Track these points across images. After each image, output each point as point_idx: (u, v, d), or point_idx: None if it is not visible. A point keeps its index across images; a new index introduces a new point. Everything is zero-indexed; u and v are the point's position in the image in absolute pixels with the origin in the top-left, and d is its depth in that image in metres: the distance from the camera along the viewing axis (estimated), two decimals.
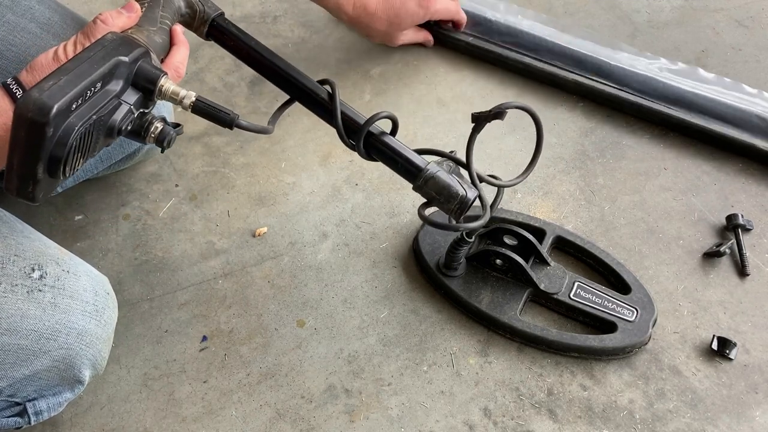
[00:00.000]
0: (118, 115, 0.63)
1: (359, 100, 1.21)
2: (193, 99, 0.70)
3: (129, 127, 0.66)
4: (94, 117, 0.60)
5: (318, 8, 1.44)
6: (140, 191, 1.10)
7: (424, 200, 0.80)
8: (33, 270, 0.72)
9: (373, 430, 0.85)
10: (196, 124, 1.19)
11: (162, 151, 0.71)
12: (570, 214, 1.05)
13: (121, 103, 0.64)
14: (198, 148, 1.16)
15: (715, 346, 0.89)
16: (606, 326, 0.90)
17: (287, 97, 0.85)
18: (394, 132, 0.81)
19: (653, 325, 0.90)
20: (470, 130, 0.79)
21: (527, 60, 1.21)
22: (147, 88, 0.66)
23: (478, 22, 1.28)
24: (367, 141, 0.78)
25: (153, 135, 0.68)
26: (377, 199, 1.08)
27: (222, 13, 0.83)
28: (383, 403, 0.87)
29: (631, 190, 1.08)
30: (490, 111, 0.75)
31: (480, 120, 0.77)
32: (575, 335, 0.89)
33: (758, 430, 0.84)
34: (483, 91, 1.22)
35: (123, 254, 1.02)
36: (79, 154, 0.60)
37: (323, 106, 0.79)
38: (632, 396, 0.87)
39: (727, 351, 0.89)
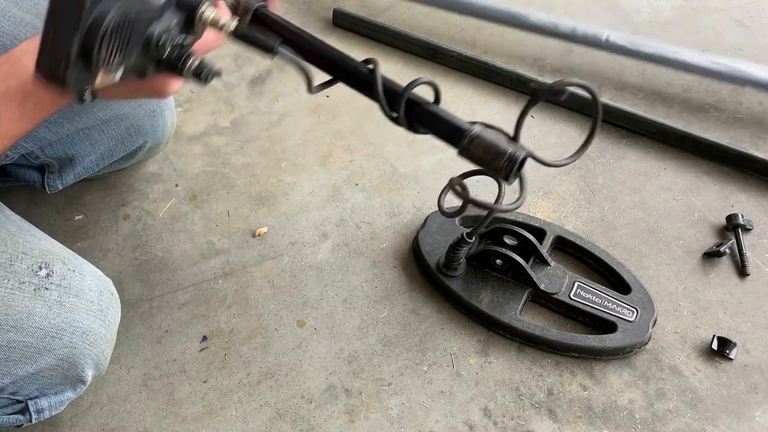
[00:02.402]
0: (157, 28, 0.63)
1: (359, 100, 1.21)
2: (235, 25, 0.70)
3: (167, 47, 0.65)
4: (133, 15, 0.60)
5: (318, 8, 1.44)
6: (140, 191, 1.10)
7: (441, 190, 0.79)
8: (40, 268, 0.72)
9: (373, 430, 0.85)
10: (197, 124, 1.19)
11: (203, 84, 0.70)
12: (570, 214, 1.05)
13: (161, 17, 0.64)
14: (198, 148, 1.16)
15: (715, 346, 0.89)
16: (606, 326, 0.90)
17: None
18: (437, 101, 0.79)
19: (653, 325, 0.90)
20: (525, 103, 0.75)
21: (519, 71, 1.21)
22: (190, 6, 0.66)
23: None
24: (409, 110, 0.76)
25: (191, 67, 0.67)
26: (377, 199, 1.08)
27: (265, 4, 0.84)
28: (383, 403, 0.87)
29: (631, 190, 1.08)
30: (552, 85, 0.70)
31: (538, 94, 0.73)
32: (575, 335, 0.89)
33: (758, 430, 0.84)
34: (483, 90, 1.22)
35: (123, 254, 1.02)
36: (114, 47, 0.59)
37: (365, 81, 0.79)
38: (632, 396, 0.87)
39: (727, 351, 0.89)
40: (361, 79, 0.79)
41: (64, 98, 0.65)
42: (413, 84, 0.75)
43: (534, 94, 0.74)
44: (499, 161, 0.73)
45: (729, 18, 1.34)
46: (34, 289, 0.70)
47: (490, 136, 0.75)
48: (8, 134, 0.63)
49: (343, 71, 0.81)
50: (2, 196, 1.00)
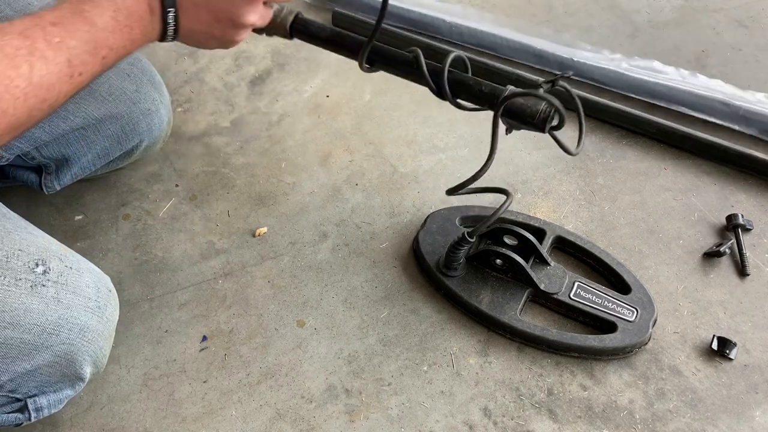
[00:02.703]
0: None
1: (359, 100, 1.21)
2: None
3: None
4: None
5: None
6: (140, 191, 1.10)
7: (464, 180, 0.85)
8: (37, 265, 0.72)
9: (373, 430, 0.85)
10: (197, 124, 1.19)
11: None
12: (570, 214, 1.05)
13: None
14: (198, 148, 1.16)
15: (715, 346, 0.89)
16: (606, 326, 0.90)
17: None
18: (467, 71, 0.90)
19: (653, 325, 0.90)
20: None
21: (518, 71, 1.21)
22: None
23: (436, 25, 1.29)
24: (450, 83, 0.86)
25: None
26: (377, 199, 1.08)
27: (299, 12, 0.95)
28: (383, 403, 0.87)
29: (631, 190, 1.08)
30: (558, 75, 0.85)
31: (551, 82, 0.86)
32: (575, 335, 0.89)
33: (758, 430, 0.84)
34: None
35: (123, 254, 1.02)
36: None
37: (410, 64, 0.89)
38: (632, 396, 0.87)
39: (727, 351, 0.89)
40: (406, 63, 0.90)
41: (153, 19, 0.69)
42: (448, 57, 0.85)
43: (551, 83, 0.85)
44: (540, 105, 0.82)
45: (729, 18, 1.34)
46: (31, 286, 0.70)
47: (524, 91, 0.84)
48: (107, 42, 0.66)
49: (390, 59, 0.91)
50: (2, 196, 1.00)
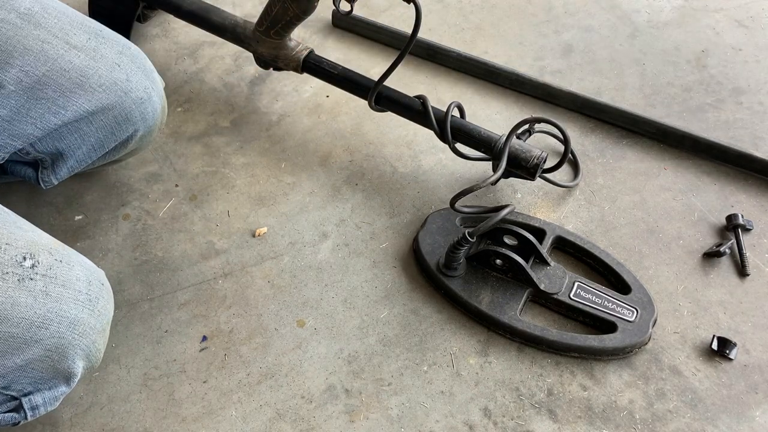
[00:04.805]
0: None
1: (359, 100, 1.21)
2: None
3: None
4: None
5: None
6: (140, 191, 1.10)
7: (457, 192, 0.93)
8: (24, 258, 0.71)
9: (373, 430, 0.85)
10: (197, 124, 1.19)
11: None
12: (570, 214, 1.05)
13: None
14: (198, 148, 1.16)
15: (715, 346, 0.89)
16: (606, 326, 0.90)
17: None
18: (462, 116, 1.02)
19: (653, 325, 0.90)
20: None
21: (519, 71, 1.20)
22: None
23: None
24: (452, 131, 0.99)
25: None
26: (377, 199, 1.08)
27: (313, 50, 1.05)
28: (383, 403, 0.87)
29: (631, 190, 1.08)
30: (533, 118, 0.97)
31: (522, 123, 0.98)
32: (575, 335, 0.89)
33: (758, 430, 0.84)
34: (483, 90, 1.22)
35: (123, 254, 1.02)
36: None
37: (418, 112, 1.01)
38: (632, 396, 0.87)
39: (727, 351, 0.89)
40: (412, 107, 1.00)
41: None
42: (450, 108, 0.98)
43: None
44: (531, 160, 0.93)
45: (729, 18, 1.34)
46: (18, 280, 0.70)
47: (517, 141, 0.96)
48: None
49: (396, 102, 1.01)
50: (1, 195, 1.00)
